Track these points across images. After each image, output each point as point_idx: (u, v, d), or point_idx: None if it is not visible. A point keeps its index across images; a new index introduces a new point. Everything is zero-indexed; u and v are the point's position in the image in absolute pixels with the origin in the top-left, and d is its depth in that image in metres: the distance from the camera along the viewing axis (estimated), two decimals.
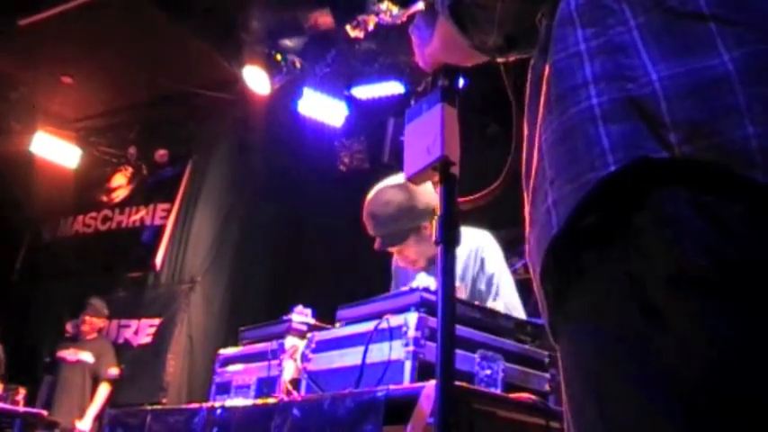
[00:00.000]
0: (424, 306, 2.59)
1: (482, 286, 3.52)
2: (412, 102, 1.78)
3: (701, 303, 0.82)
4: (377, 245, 3.58)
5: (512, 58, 1.41)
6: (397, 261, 3.91)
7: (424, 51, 1.66)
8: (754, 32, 0.86)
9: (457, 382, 1.84)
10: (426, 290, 2.67)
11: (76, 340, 8.13)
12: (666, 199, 0.86)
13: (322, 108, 8.02)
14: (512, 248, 4.32)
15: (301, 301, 3.64)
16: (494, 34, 1.29)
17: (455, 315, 1.55)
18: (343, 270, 8.18)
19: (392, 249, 3.64)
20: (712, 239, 0.83)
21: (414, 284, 2.98)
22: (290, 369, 3.17)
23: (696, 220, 0.84)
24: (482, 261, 3.56)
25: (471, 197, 1.71)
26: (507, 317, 2.95)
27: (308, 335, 3.04)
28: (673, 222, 0.85)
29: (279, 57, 7.61)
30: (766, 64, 0.85)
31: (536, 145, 1.05)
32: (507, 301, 3.42)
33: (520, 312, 3.35)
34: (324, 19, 6.99)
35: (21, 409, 7.60)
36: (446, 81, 1.69)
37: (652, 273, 0.85)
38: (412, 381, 2.39)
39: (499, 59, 1.43)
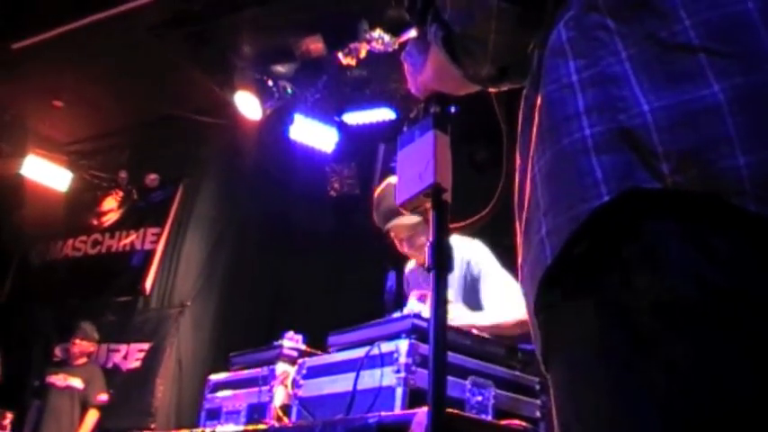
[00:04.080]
0: (415, 332, 2.59)
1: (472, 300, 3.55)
2: (404, 128, 1.78)
3: (691, 332, 0.83)
4: (389, 235, 3.63)
5: (504, 88, 1.42)
6: (408, 269, 3.93)
7: (416, 79, 1.66)
8: (743, 63, 0.87)
9: (448, 409, 1.84)
10: (417, 316, 2.67)
11: (66, 365, 8.07)
12: (657, 228, 0.87)
13: (313, 134, 8.04)
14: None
15: (291, 326, 3.64)
16: (486, 65, 1.29)
17: (446, 342, 1.55)
18: (334, 295, 8.18)
19: (401, 237, 3.66)
20: (702, 269, 0.83)
21: (405, 311, 2.98)
22: (280, 395, 3.17)
23: (686, 249, 0.84)
24: (475, 277, 3.58)
25: (461, 223, 1.72)
26: (498, 343, 2.95)
27: (299, 361, 3.04)
28: (663, 252, 0.86)
29: (270, 82, 7.64)
30: (755, 94, 0.86)
31: (528, 175, 1.06)
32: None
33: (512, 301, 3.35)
34: (315, 45, 7.02)
35: None
36: (438, 108, 1.70)
37: (642, 302, 0.86)
38: (403, 408, 2.38)
39: (492, 89, 1.44)
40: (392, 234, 3.69)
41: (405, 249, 3.76)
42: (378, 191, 3.68)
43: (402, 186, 1.69)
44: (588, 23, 1.00)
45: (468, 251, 3.66)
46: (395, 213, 3.55)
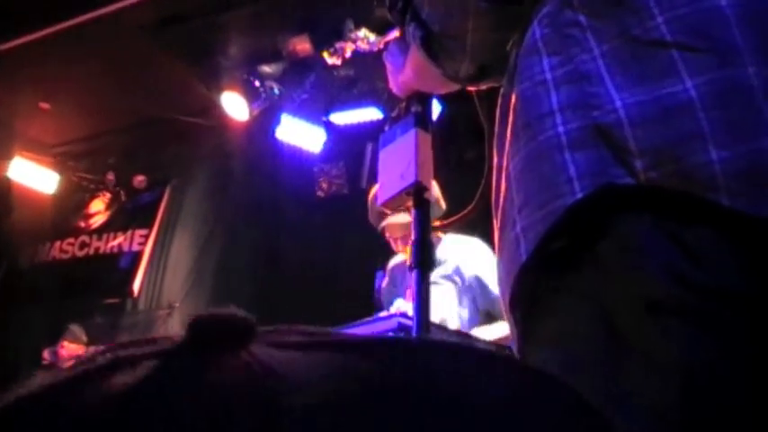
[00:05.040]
0: (402, 332, 2.59)
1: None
2: (386, 127, 1.79)
3: (668, 326, 0.83)
4: (384, 234, 3.68)
5: (484, 87, 1.42)
6: (394, 264, 3.95)
7: (397, 78, 1.67)
8: (715, 59, 0.88)
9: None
10: (404, 315, 2.68)
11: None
12: (632, 225, 0.87)
13: (300, 134, 8.02)
14: None
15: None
16: (465, 63, 1.29)
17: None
18: (323, 295, 8.17)
19: (395, 237, 3.69)
20: (676, 264, 0.84)
21: (392, 310, 2.99)
22: None
23: (660, 244, 0.85)
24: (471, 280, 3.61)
25: (444, 222, 1.72)
26: (485, 342, 2.96)
27: None
28: (637, 247, 0.86)
29: (257, 83, 7.62)
30: (728, 89, 0.86)
31: (504, 172, 1.06)
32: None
33: None
34: (302, 45, 7.01)
35: None
36: (420, 107, 1.70)
37: (618, 298, 0.86)
38: None
39: (472, 88, 1.44)
40: (387, 234, 3.70)
41: (399, 249, 3.77)
42: (372, 191, 3.69)
43: (384, 185, 1.69)
44: (562, 21, 1.00)
45: (460, 255, 3.67)
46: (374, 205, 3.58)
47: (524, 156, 0.99)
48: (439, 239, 3.68)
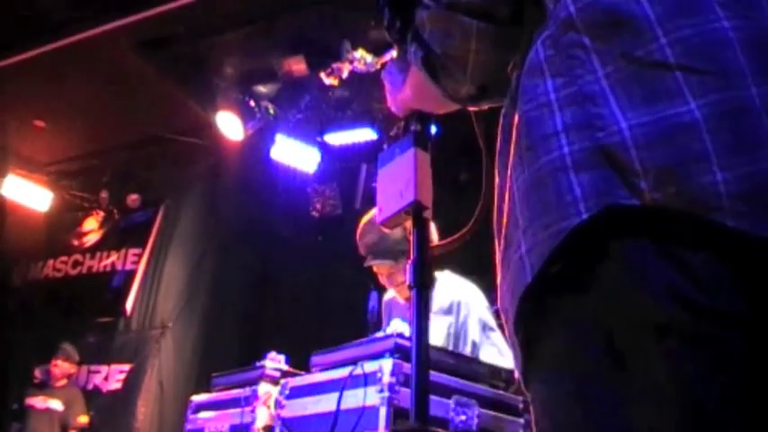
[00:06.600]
0: (399, 352, 2.58)
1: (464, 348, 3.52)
2: (385, 146, 1.79)
3: (670, 349, 0.83)
4: (371, 267, 3.67)
5: (484, 107, 1.42)
6: (388, 297, 3.94)
7: (396, 97, 1.67)
8: (718, 80, 0.88)
9: (432, 428, 1.83)
10: (401, 335, 2.67)
11: (45, 387, 7.99)
12: (635, 246, 0.87)
13: (295, 154, 8.03)
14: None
15: (274, 346, 3.62)
16: (466, 84, 1.30)
17: (429, 360, 1.54)
18: (316, 315, 8.15)
19: (382, 274, 3.67)
20: (679, 286, 0.84)
21: (388, 330, 2.97)
22: (263, 416, 3.14)
23: (663, 267, 0.85)
24: (465, 324, 3.56)
25: (442, 242, 1.72)
26: (482, 363, 2.95)
27: (282, 381, 3.02)
28: (640, 269, 0.86)
29: (252, 103, 7.63)
30: (731, 110, 0.86)
31: (507, 193, 1.06)
32: None
33: None
34: (298, 66, 7.03)
35: None
36: (418, 126, 1.70)
37: (621, 320, 0.86)
38: (387, 427, 2.37)
39: (472, 108, 1.44)
40: (375, 269, 3.70)
41: (386, 284, 3.77)
42: (363, 221, 3.67)
43: (383, 204, 1.69)
44: (565, 42, 1.00)
45: (459, 292, 3.66)
46: (378, 253, 3.56)
47: (528, 176, 0.99)
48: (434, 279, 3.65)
